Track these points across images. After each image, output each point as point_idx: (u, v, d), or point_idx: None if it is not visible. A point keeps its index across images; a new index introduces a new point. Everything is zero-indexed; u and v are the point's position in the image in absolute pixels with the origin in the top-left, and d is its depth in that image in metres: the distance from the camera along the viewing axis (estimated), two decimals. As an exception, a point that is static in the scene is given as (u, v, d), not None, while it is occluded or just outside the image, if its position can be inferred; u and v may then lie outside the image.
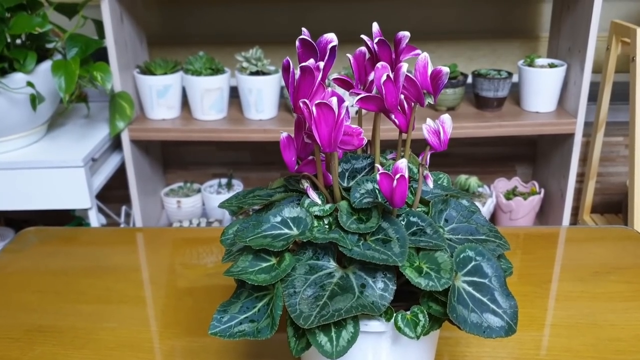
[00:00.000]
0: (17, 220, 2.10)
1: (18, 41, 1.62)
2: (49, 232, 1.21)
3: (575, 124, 1.76)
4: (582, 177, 2.08)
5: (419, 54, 0.65)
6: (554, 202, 1.98)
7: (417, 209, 0.62)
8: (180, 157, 2.23)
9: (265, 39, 2.03)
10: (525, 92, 1.83)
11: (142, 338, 0.84)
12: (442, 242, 0.58)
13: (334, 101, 0.54)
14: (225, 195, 2.08)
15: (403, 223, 0.60)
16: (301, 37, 0.58)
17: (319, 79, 0.57)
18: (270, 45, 1.98)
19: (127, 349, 0.81)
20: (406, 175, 0.53)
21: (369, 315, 0.55)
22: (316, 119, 0.54)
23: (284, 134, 0.63)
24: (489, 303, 0.57)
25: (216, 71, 1.83)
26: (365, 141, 0.58)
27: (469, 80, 1.89)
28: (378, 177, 0.54)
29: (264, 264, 0.59)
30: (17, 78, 1.52)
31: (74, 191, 1.63)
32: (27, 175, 1.61)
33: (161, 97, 1.84)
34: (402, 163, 0.54)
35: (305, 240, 0.58)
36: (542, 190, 2.01)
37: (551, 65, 1.81)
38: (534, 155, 2.17)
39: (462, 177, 1.94)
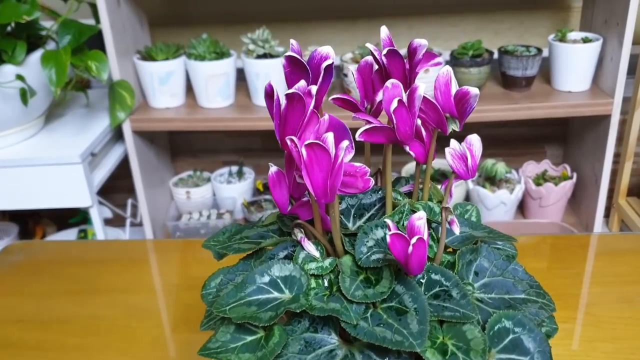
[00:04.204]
0: (21, 215, 2.02)
1: (8, 29, 1.50)
2: (35, 246, 1.11)
3: (612, 104, 1.61)
4: (617, 158, 1.92)
5: (439, 64, 0.52)
6: (587, 187, 1.83)
7: (441, 261, 0.50)
8: (188, 145, 2.12)
9: (273, 18, 1.88)
10: (556, 70, 1.67)
11: (130, 380, 0.74)
12: (471, 311, 0.45)
13: (329, 140, 0.42)
14: (236, 185, 1.97)
15: (423, 282, 0.48)
16: (288, 54, 0.46)
17: (312, 106, 0.45)
18: (278, 25, 1.84)
19: (112, 395, 0.72)
20: (425, 237, 0.41)
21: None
22: (307, 163, 0.42)
23: (273, 169, 0.51)
24: (531, 387, 0.45)
25: (221, 55, 1.70)
26: (372, 183, 0.46)
27: (495, 56, 1.73)
28: (389, 239, 0.41)
29: (249, 338, 0.48)
30: (6, 70, 1.42)
31: (72, 189, 1.54)
32: (23, 173, 1.51)
33: (163, 84, 1.72)
34: (420, 220, 0.41)
35: (298, 310, 0.46)
36: (575, 175, 1.87)
37: (585, 40, 1.65)
38: (565, 135, 2.02)
39: (489, 162, 1.80)
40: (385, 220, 0.42)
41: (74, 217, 1.98)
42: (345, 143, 0.42)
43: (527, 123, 1.98)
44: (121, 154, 1.76)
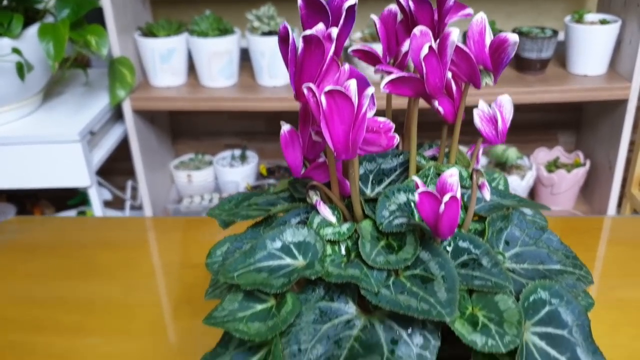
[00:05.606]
0: (20, 196, 1.97)
1: (5, 2, 1.45)
2: (32, 222, 1.07)
3: (630, 89, 1.56)
4: (631, 146, 1.88)
5: (470, 15, 0.47)
6: (600, 175, 1.79)
7: (469, 229, 0.46)
8: (190, 127, 2.07)
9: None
10: (572, 53, 1.62)
11: (129, 358, 0.70)
12: (504, 280, 0.41)
13: (352, 87, 0.38)
14: (239, 169, 1.92)
15: (449, 250, 0.44)
16: (306, -8, 0.41)
17: (332, 52, 0.40)
18: (284, 2, 1.79)
19: (110, 373, 0.69)
20: (458, 195, 0.37)
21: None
22: (327, 113, 0.38)
23: (285, 127, 0.46)
24: (569, 365, 0.41)
25: (224, 32, 1.65)
26: (397, 140, 0.42)
27: (508, 39, 1.68)
28: (417, 197, 0.37)
29: (259, 306, 0.43)
30: (2, 44, 1.37)
31: (71, 168, 1.49)
32: (20, 151, 1.47)
33: (165, 62, 1.67)
34: (452, 177, 0.37)
35: (313, 277, 0.42)
36: (588, 162, 1.82)
37: (603, 22, 1.60)
38: (579, 122, 1.97)
39: (500, 148, 1.76)
40: (413, 178, 0.38)
41: (73, 199, 1.94)
42: (370, 90, 0.38)
43: (540, 108, 1.94)
44: (121, 134, 1.71)
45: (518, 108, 1.87)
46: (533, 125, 1.98)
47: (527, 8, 1.82)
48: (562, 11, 1.82)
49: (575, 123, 1.98)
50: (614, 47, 1.60)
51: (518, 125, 1.97)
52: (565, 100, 1.59)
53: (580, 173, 1.79)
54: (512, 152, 1.74)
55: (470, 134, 0.52)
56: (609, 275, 0.82)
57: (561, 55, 1.70)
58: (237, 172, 1.92)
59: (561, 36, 1.67)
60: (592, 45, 1.58)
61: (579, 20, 1.60)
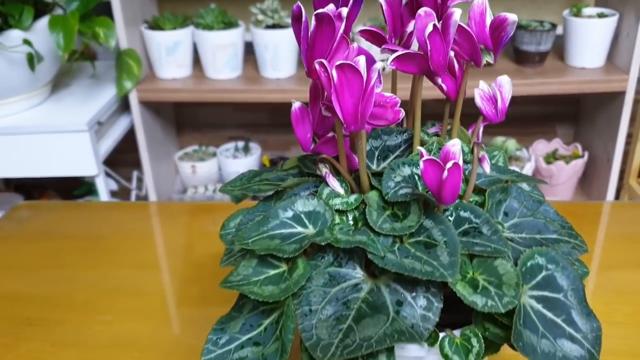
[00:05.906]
0: (27, 186, 2.00)
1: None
2: (43, 206, 1.10)
3: (627, 81, 1.58)
4: (629, 139, 1.90)
5: (471, -2, 0.50)
6: (598, 167, 1.81)
7: (470, 200, 0.48)
8: (194, 119, 2.10)
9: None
10: (570, 46, 1.65)
11: (139, 335, 0.73)
12: (503, 246, 0.44)
13: (361, 62, 0.40)
14: (242, 160, 1.95)
15: (451, 219, 0.47)
16: (317, -26, 0.44)
17: (341, 31, 0.43)
18: (288, -4, 1.81)
19: (122, 348, 0.71)
20: (460, 163, 0.39)
21: (407, 341, 0.43)
22: (337, 86, 0.40)
23: (296, 104, 0.49)
24: (564, 325, 0.44)
25: (229, 25, 1.68)
26: (402, 114, 0.44)
27: (508, 32, 1.70)
28: (422, 165, 0.40)
29: (272, 272, 0.46)
30: (13, 35, 1.39)
31: (79, 157, 1.52)
32: (29, 140, 1.49)
33: (171, 54, 1.70)
34: (455, 146, 0.40)
35: (323, 243, 0.45)
36: (586, 154, 1.85)
37: (600, 15, 1.62)
38: (577, 114, 2.00)
39: (499, 139, 1.78)
40: (418, 148, 0.40)
41: (79, 189, 1.97)
42: (378, 64, 0.41)
43: (538, 101, 1.96)
44: (127, 125, 1.74)
45: (517, 100, 1.90)
46: (532, 117, 2.01)
47: (526, 1, 1.85)
48: (561, 5, 1.85)
49: (574, 116, 2.01)
50: (612, 40, 1.63)
51: (517, 118, 2.00)
52: (563, 92, 1.62)
53: (578, 165, 1.81)
54: (511, 144, 1.76)
55: (469, 125, 0.55)
56: (605, 258, 0.85)
57: (559, 48, 1.73)
58: (240, 164, 1.95)
59: (559, 29, 1.69)
60: (590, 38, 1.60)
61: (577, 13, 1.63)
